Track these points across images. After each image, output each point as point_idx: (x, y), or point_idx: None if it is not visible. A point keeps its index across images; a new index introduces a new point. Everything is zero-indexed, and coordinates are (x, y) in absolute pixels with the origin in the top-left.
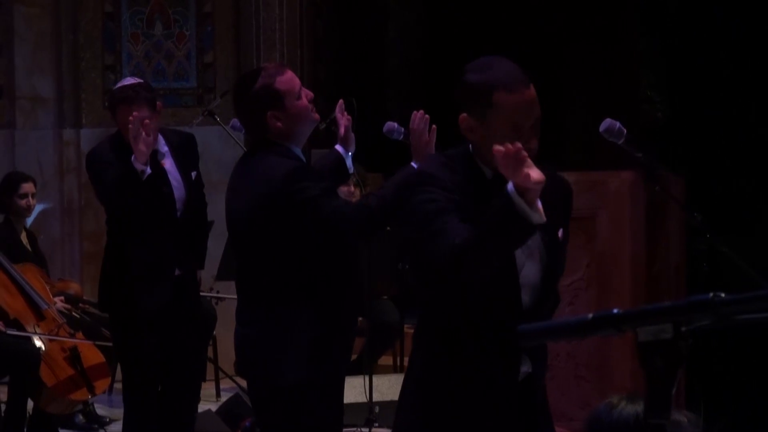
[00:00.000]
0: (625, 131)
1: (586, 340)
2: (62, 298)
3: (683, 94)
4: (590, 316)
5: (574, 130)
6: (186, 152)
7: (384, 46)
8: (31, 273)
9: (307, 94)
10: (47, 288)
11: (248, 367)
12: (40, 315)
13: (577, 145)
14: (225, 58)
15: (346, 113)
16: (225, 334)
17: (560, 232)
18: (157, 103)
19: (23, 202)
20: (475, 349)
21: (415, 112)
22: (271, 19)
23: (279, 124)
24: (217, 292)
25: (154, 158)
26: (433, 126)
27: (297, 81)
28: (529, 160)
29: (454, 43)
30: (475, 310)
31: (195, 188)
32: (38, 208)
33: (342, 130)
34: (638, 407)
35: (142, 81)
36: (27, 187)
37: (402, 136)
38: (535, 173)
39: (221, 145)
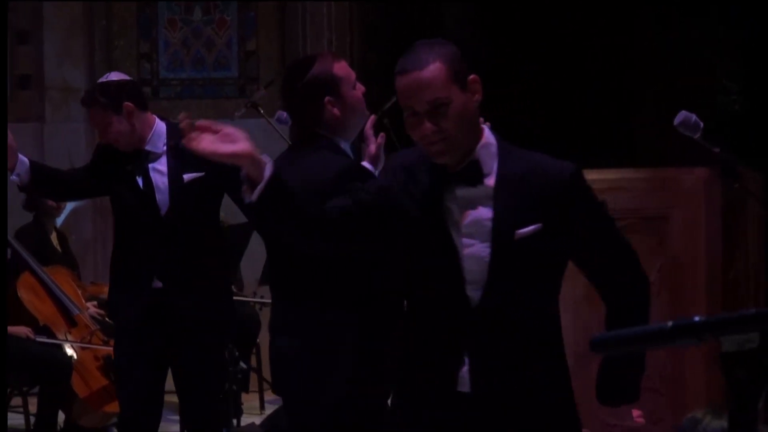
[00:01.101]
0: (702, 124)
1: (658, 350)
2: (95, 303)
3: (762, 83)
4: (669, 324)
5: (644, 124)
6: (185, 152)
7: (439, 33)
8: (61, 276)
9: (360, 88)
10: (79, 292)
11: (285, 383)
12: (71, 321)
13: (646, 140)
14: (269, 45)
15: (376, 135)
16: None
17: (531, 228)
18: (125, 103)
19: (53, 200)
20: (416, 344)
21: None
22: (319, 4)
23: (336, 111)
24: (261, 297)
25: (139, 158)
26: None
27: (353, 72)
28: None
29: (511, 30)
30: (419, 302)
31: (188, 192)
32: (69, 207)
33: (373, 149)
34: (724, 422)
35: (113, 81)
36: None
37: None
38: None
39: (265, 139)
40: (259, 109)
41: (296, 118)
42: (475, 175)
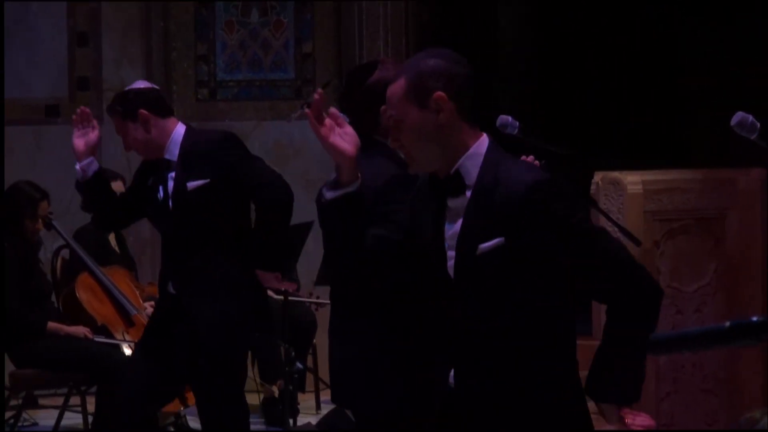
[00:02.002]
0: (759, 125)
1: (713, 350)
2: (152, 303)
3: None
4: (727, 324)
5: (700, 125)
6: (194, 159)
7: (495, 35)
8: (119, 276)
9: None
10: (137, 292)
11: (351, 393)
12: (129, 321)
13: (703, 141)
14: (325, 47)
15: None
16: (326, 342)
17: (493, 242)
18: (141, 111)
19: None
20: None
21: (524, 157)
22: (375, 5)
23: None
24: (317, 297)
25: (160, 168)
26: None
27: None
28: None
29: (567, 32)
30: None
31: (191, 200)
32: None
33: None
34: None
35: (131, 89)
36: (115, 185)
37: (516, 131)
38: None
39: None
40: None
41: (355, 123)
42: (457, 186)
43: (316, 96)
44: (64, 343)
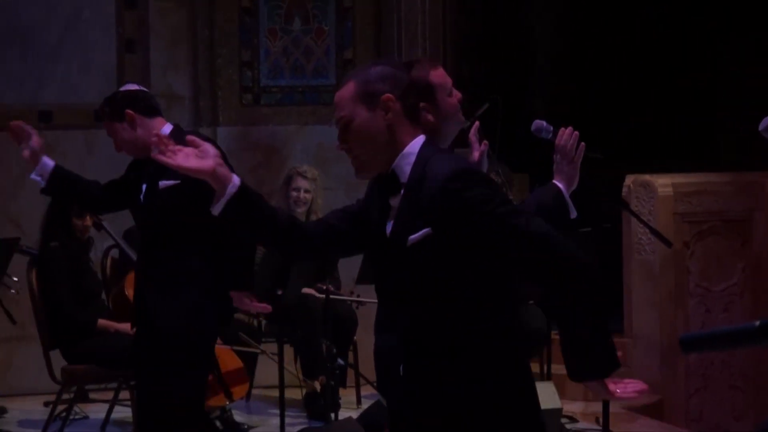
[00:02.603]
0: None
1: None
2: None
3: None
4: (757, 323)
5: (728, 130)
6: None
7: (530, 41)
8: None
9: (456, 94)
10: None
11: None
12: None
13: (730, 144)
14: (365, 54)
15: (480, 140)
16: (366, 339)
17: (421, 233)
18: (127, 111)
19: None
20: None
21: (563, 128)
22: (413, 13)
23: (430, 117)
24: (358, 295)
25: (144, 166)
26: (582, 144)
27: (449, 78)
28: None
29: (601, 39)
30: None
31: (162, 199)
32: None
33: (476, 155)
34: None
35: (119, 91)
36: None
37: (551, 135)
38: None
39: None
40: None
41: None
42: (394, 185)
43: (153, 140)
44: (114, 340)
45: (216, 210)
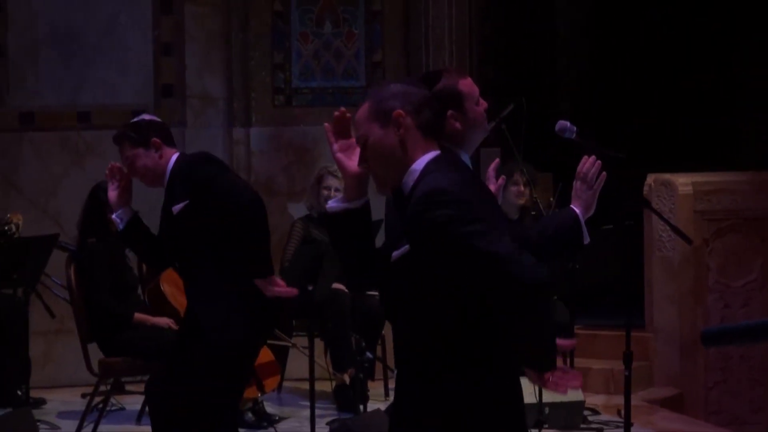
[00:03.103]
0: None
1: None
2: None
3: None
4: None
5: (748, 129)
6: (176, 184)
7: (553, 44)
8: None
9: (482, 104)
10: None
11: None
12: None
13: (750, 143)
14: (394, 56)
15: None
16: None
17: (402, 249)
18: (154, 139)
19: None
20: None
21: (586, 157)
22: (440, 17)
23: (458, 125)
24: None
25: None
26: (603, 174)
27: (476, 88)
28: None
29: (623, 42)
30: None
31: (178, 222)
32: None
33: (493, 189)
34: None
35: (144, 119)
36: None
37: (574, 135)
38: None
39: None
40: None
41: None
42: (399, 201)
43: (336, 114)
44: (150, 334)
45: (331, 207)
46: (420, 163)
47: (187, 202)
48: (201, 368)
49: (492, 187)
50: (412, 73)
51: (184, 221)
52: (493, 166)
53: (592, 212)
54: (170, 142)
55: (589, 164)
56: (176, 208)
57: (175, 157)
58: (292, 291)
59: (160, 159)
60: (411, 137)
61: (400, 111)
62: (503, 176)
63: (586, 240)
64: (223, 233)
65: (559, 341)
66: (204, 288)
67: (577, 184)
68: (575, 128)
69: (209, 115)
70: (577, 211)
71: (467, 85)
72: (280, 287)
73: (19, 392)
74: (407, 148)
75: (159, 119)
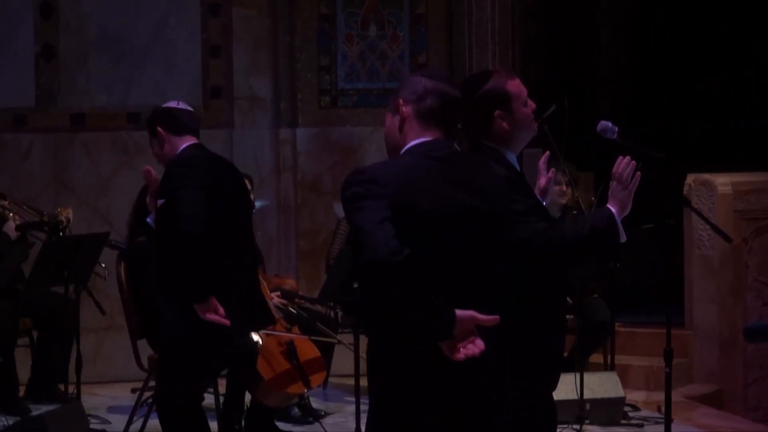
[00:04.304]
0: None
1: None
2: (278, 293)
3: None
4: None
5: None
6: (164, 179)
7: (595, 46)
8: None
9: (530, 104)
10: (264, 283)
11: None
12: None
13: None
14: (438, 58)
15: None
16: None
17: None
18: (157, 129)
19: None
20: None
21: (621, 157)
22: (483, 19)
23: (505, 125)
24: None
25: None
26: (638, 173)
27: (525, 89)
28: None
29: (664, 43)
30: None
31: (160, 216)
32: (256, 205)
33: (543, 182)
34: None
35: (156, 107)
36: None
37: (615, 135)
38: None
39: None
40: None
41: (468, 127)
42: None
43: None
44: None
45: None
46: (405, 148)
47: (163, 201)
48: (164, 365)
49: (542, 180)
50: (456, 74)
51: (163, 215)
52: (543, 159)
53: (627, 211)
54: (178, 130)
55: (624, 164)
56: (160, 202)
57: (183, 147)
58: (224, 322)
59: (166, 148)
60: (408, 124)
61: (401, 99)
62: (553, 169)
63: (623, 238)
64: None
65: (461, 313)
66: (166, 284)
67: (612, 184)
68: (617, 129)
69: (256, 116)
70: (613, 210)
71: (515, 86)
72: (213, 315)
73: (62, 388)
74: (403, 133)
75: (178, 105)
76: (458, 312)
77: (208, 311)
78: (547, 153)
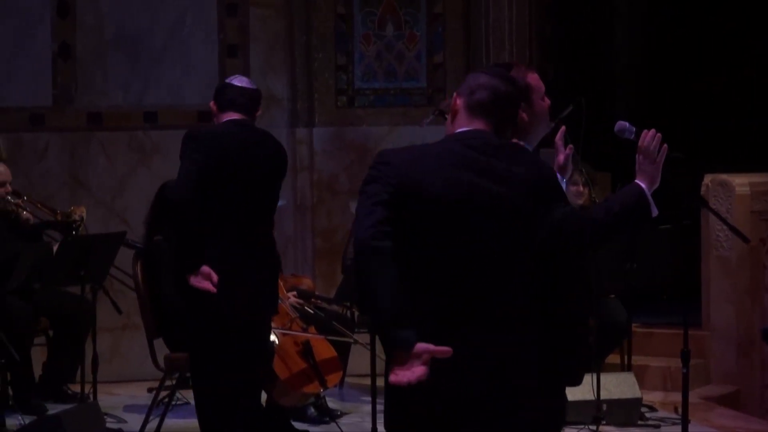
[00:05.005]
0: None
1: None
2: (295, 293)
3: None
4: None
5: None
6: None
7: (612, 46)
8: None
9: (546, 100)
10: (281, 283)
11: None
12: None
13: None
14: (455, 58)
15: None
16: None
17: None
18: (211, 103)
19: None
20: None
21: (646, 130)
22: (501, 20)
23: (524, 116)
24: None
25: None
26: (664, 145)
27: (542, 84)
28: None
29: (681, 43)
30: None
31: None
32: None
33: (562, 158)
34: None
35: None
36: None
37: (633, 135)
38: None
39: None
40: (446, 116)
41: None
42: None
43: None
44: None
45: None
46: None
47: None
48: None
49: (561, 156)
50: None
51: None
52: (559, 135)
53: (656, 185)
54: (222, 107)
55: (650, 137)
56: None
57: (222, 122)
58: (211, 289)
59: (214, 122)
60: (458, 116)
61: (455, 94)
62: (571, 145)
63: (655, 212)
64: (208, 211)
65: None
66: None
67: (639, 158)
68: (634, 128)
69: (273, 115)
70: (642, 185)
71: (535, 79)
72: (205, 283)
73: (73, 389)
74: (453, 125)
75: (230, 81)
76: (417, 345)
77: (202, 281)
78: (563, 129)
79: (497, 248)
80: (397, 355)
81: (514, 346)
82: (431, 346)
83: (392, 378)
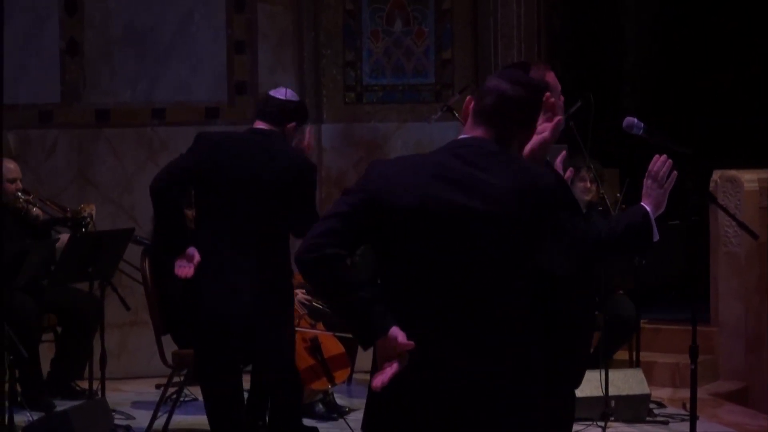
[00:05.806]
0: None
1: None
2: (303, 290)
3: None
4: None
5: None
6: None
7: (621, 43)
8: None
9: (562, 98)
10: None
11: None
12: None
13: None
14: (463, 54)
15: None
16: None
17: None
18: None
19: None
20: None
21: (657, 156)
22: (509, 16)
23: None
24: None
25: None
26: (674, 172)
27: (559, 83)
28: None
29: (688, 40)
30: None
31: None
32: None
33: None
34: None
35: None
36: None
37: (641, 132)
38: None
39: None
40: (454, 112)
41: None
42: None
43: None
44: None
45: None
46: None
47: None
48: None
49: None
50: (481, 70)
51: None
52: (560, 158)
53: (662, 210)
54: (257, 115)
55: (660, 163)
56: None
57: (250, 128)
58: (188, 273)
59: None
60: (470, 119)
61: (470, 96)
62: (571, 168)
63: (656, 237)
64: (201, 212)
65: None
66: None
67: (647, 183)
68: (642, 125)
69: None
70: (648, 208)
71: (552, 77)
72: (182, 269)
73: (82, 385)
74: (464, 128)
75: (270, 93)
76: (391, 330)
77: (184, 266)
78: (564, 153)
79: (470, 259)
80: (380, 345)
81: (514, 347)
82: (402, 335)
83: (375, 383)
